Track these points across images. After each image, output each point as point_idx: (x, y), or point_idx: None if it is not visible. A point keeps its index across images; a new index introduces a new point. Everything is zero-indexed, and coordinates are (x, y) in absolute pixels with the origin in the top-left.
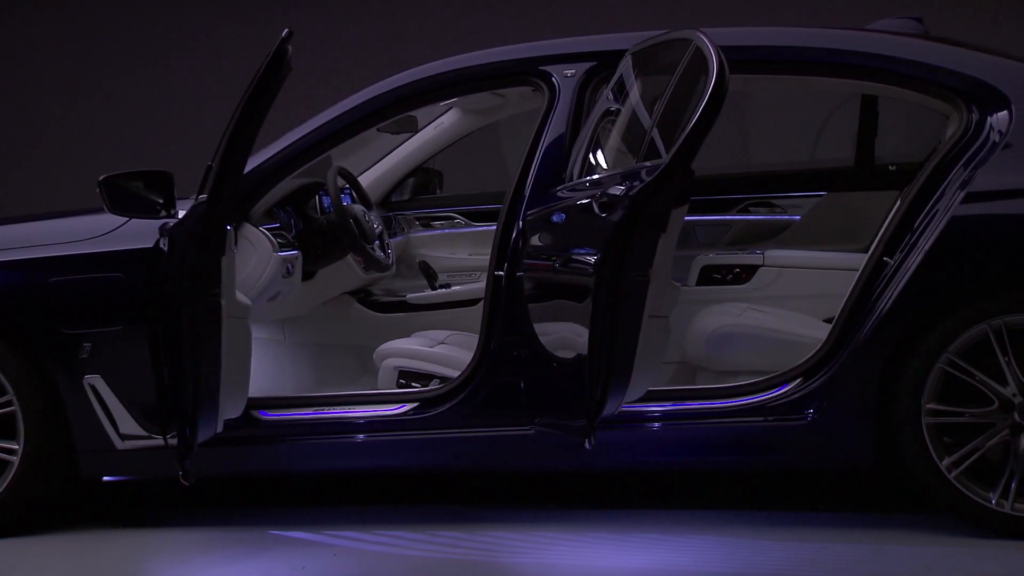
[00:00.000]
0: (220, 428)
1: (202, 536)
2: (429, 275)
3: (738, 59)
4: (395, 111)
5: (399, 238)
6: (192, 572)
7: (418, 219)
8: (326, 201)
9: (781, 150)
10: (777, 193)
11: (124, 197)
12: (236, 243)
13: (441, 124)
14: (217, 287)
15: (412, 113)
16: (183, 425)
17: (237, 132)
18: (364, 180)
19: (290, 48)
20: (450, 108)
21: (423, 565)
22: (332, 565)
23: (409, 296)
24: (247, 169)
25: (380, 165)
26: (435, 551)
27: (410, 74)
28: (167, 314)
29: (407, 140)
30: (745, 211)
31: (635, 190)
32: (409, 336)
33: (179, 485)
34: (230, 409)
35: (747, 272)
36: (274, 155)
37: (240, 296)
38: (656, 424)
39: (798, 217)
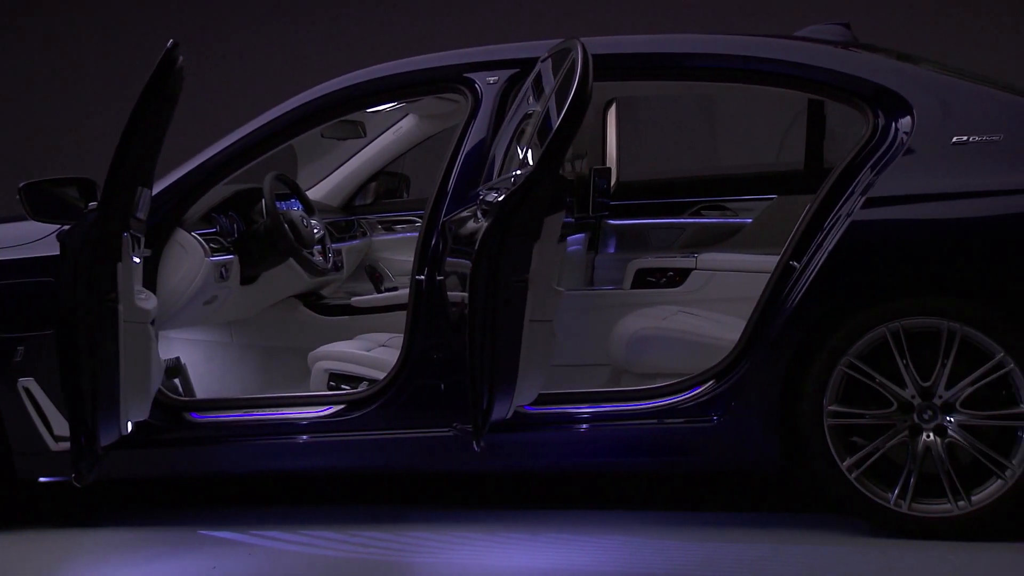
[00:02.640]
0: (127, 430)
1: (131, 536)
2: (375, 279)
3: (650, 66)
4: (325, 117)
5: (360, 241)
6: (108, 571)
7: (380, 223)
8: None
9: (748, 154)
10: (729, 197)
11: (46, 203)
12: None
13: (400, 129)
14: (113, 292)
15: (357, 119)
16: (79, 429)
17: (125, 141)
18: (326, 185)
19: (180, 58)
20: (407, 113)
21: (334, 564)
22: (244, 564)
23: (354, 299)
24: (179, 176)
25: (342, 170)
26: (350, 551)
27: (338, 81)
28: (61, 320)
29: (368, 145)
30: (697, 214)
31: (503, 197)
32: (352, 339)
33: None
34: (135, 412)
35: (680, 275)
36: (203, 162)
37: (141, 301)
38: (582, 426)
39: (750, 220)
